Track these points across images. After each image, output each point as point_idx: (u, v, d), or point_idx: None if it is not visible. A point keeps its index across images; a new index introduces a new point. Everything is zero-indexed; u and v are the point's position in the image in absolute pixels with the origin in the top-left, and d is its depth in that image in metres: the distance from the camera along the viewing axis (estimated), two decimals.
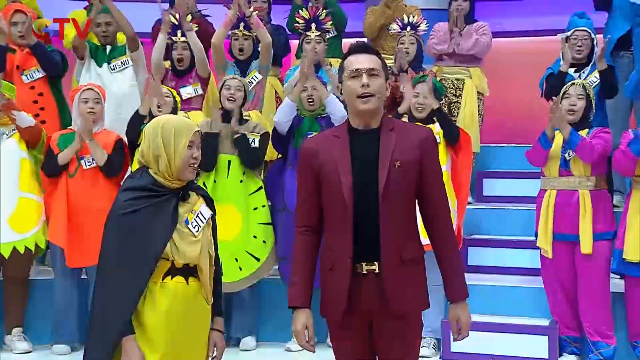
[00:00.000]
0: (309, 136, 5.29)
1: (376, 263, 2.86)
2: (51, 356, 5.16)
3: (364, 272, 2.87)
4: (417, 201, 2.95)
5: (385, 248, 2.85)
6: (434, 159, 2.95)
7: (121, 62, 5.99)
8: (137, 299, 2.94)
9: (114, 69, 5.97)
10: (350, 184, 2.85)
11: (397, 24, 6.17)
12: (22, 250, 5.15)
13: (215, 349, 3.15)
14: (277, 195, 5.38)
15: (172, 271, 3.02)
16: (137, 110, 5.30)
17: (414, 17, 6.16)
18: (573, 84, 4.91)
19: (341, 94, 2.98)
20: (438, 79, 6.23)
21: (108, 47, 6.01)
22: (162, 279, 3.02)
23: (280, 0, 7.32)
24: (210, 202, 3.15)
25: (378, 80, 2.88)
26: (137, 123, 5.25)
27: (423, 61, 6.23)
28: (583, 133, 4.79)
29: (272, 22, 6.54)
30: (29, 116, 5.22)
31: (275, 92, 6.39)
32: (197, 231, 3.03)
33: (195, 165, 3.03)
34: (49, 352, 5.20)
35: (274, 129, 5.35)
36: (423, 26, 6.13)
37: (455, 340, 3.01)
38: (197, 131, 3.06)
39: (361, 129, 2.93)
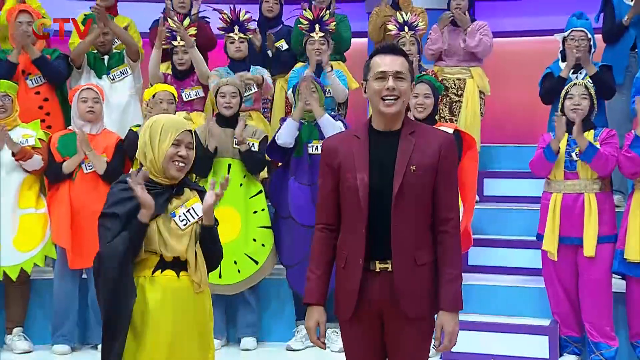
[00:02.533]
0: (309, 144, 5.29)
1: (389, 262, 2.86)
2: (51, 356, 5.15)
3: (377, 269, 2.87)
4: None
5: (396, 250, 2.84)
6: (451, 165, 2.92)
7: (120, 72, 5.95)
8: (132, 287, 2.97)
9: (113, 79, 5.93)
10: (367, 184, 2.85)
11: (394, 25, 6.13)
12: (29, 270, 5.17)
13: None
14: (282, 203, 5.37)
15: (162, 265, 3.03)
16: (135, 130, 5.27)
17: (407, 14, 6.11)
18: (575, 84, 4.88)
19: (364, 92, 2.97)
20: (439, 79, 6.22)
21: (106, 57, 5.96)
22: (152, 273, 3.03)
23: (291, 0, 7.30)
24: None
25: (404, 84, 2.87)
26: (135, 141, 5.23)
27: (422, 61, 6.20)
28: (589, 134, 4.78)
29: (284, 24, 6.54)
30: (39, 157, 5.15)
31: (285, 92, 6.38)
32: (184, 225, 3.04)
33: (181, 164, 3.03)
34: (49, 352, 5.19)
35: (272, 141, 5.31)
36: (421, 25, 6.09)
37: (435, 349, 2.98)
38: (188, 131, 3.06)
39: (382, 130, 2.92)
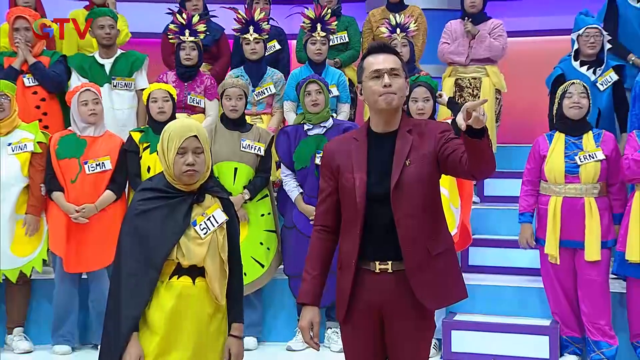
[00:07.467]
0: (318, 154, 5.18)
1: (389, 262, 2.87)
2: (52, 356, 5.15)
3: (377, 270, 2.88)
4: (451, 160, 2.80)
5: (406, 245, 2.83)
6: (442, 126, 2.91)
7: (125, 83, 5.80)
8: (147, 297, 2.99)
9: (115, 87, 5.78)
10: (364, 184, 2.86)
11: (386, 27, 6.11)
12: (28, 273, 5.19)
13: (230, 355, 3.15)
14: (287, 213, 5.35)
15: (179, 271, 3.05)
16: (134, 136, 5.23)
17: (400, 16, 6.11)
18: (573, 82, 4.87)
19: (360, 94, 2.97)
20: (454, 79, 6.21)
21: (107, 62, 5.82)
22: (169, 279, 3.04)
23: (282, 0, 7.29)
24: (229, 206, 3.17)
25: (399, 80, 2.88)
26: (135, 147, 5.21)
27: (414, 61, 6.17)
28: (589, 136, 4.77)
29: (273, 25, 6.52)
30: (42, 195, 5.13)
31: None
32: (204, 234, 3.05)
33: (191, 171, 3.02)
34: (50, 352, 5.19)
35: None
36: (412, 26, 6.08)
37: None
38: (194, 136, 3.03)
39: (380, 132, 2.92)
